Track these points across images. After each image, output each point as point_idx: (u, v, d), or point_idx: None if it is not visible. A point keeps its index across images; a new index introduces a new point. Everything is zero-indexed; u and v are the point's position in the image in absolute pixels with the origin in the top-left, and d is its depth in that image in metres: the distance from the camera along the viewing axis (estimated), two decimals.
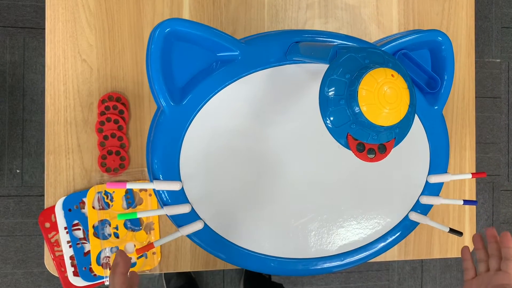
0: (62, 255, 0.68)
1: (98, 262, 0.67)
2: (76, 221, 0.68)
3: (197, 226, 0.52)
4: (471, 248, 0.63)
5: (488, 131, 1.69)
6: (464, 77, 0.81)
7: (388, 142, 0.42)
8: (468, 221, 0.80)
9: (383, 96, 0.38)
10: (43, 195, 0.68)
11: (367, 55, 0.40)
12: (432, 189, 0.61)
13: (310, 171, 0.56)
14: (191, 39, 0.51)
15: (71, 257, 0.68)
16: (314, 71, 0.54)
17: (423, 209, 0.61)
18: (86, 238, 0.68)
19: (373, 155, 0.42)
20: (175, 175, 0.52)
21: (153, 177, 0.52)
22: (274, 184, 0.55)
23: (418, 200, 0.61)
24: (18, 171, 1.40)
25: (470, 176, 0.60)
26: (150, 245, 0.51)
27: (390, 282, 1.61)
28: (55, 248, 0.68)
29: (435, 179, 0.60)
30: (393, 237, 0.60)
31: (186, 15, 0.71)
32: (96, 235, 0.68)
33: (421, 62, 0.59)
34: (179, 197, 0.52)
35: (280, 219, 0.56)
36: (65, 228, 0.67)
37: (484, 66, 1.68)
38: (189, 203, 0.53)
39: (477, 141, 1.65)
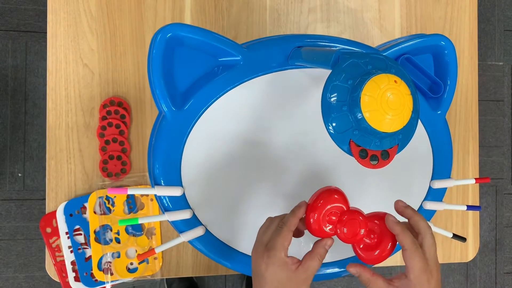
0: (63, 260, 0.68)
1: (99, 267, 0.67)
2: (77, 226, 0.67)
3: (198, 232, 0.52)
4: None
5: (491, 134, 1.68)
6: (467, 81, 0.80)
7: (391, 148, 0.42)
8: (471, 226, 0.80)
9: (386, 102, 0.37)
10: (45, 199, 0.68)
11: (369, 61, 0.40)
12: (435, 195, 0.61)
13: (312, 176, 0.56)
14: (193, 44, 0.51)
15: (72, 262, 0.67)
16: (316, 76, 0.54)
17: (426, 214, 0.61)
18: (87, 243, 0.68)
19: (376, 162, 0.42)
20: (176, 181, 0.52)
21: (155, 183, 0.52)
22: (276, 190, 0.55)
23: (421, 206, 0.60)
24: (20, 174, 1.40)
25: (473, 181, 0.60)
26: (151, 251, 0.51)
27: None
28: (56, 253, 0.68)
29: (438, 184, 0.60)
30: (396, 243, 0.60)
31: (187, 20, 0.71)
32: (97, 240, 0.67)
33: (424, 67, 0.59)
34: (181, 202, 0.52)
35: None
36: (67, 233, 0.67)
37: (487, 69, 1.68)
38: (191, 208, 0.52)
39: (480, 144, 1.64)
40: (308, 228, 0.46)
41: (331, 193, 0.46)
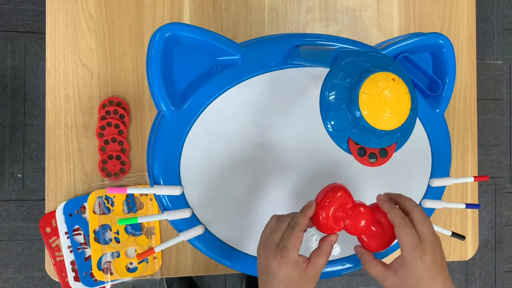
0: (63, 260, 0.68)
1: (99, 267, 0.67)
2: (77, 226, 0.67)
3: (197, 231, 0.52)
4: None
5: (490, 133, 1.68)
6: (466, 80, 0.80)
7: (390, 146, 0.42)
8: (470, 224, 0.80)
9: (384, 100, 0.37)
10: (44, 199, 0.68)
11: (368, 59, 0.40)
12: (434, 193, 0.61)
13: (311, 175, 0.56)
14: (191, 43, 0.51)
15: (72, 262, 0.67)
16: (314, 75, 0.54)
17: (426, 212, 0.61)
18: (87, 243, 0.68)
19: (375, 160, 0.42)
20: (175, 180, 0.52)
21: (154, 182, 0.52)
22: (275, 189, 0.55)
23: (420, 204, 0.60)
24: (19, 175, 1.40)
25: (472, 179, 0.60)
26: (151, 250, 0.51)
27: None
28: (56, 253, 0.68)
29: (437, 182, 0.60)
30: (396, 241, 0.60)
31: (186, 19, 0.71)
32: (97, 240, 0.67)
33: (422, 65, 0.59)
34: (180, 201, 0.52)
35: None
36: (66, 233, 0.67)
37: (485, 68, 1.68)
38: (190, 208, 0.52)
39: (479, 143, 1.64)
40: (316, 225, 0.48)
41: (337, 191, 0.47)
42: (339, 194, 0.47)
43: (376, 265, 0.46)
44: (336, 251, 0.58)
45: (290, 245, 0.44)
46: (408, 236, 0.43)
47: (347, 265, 0.58)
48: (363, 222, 0.46)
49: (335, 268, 0.58)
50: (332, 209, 0.46)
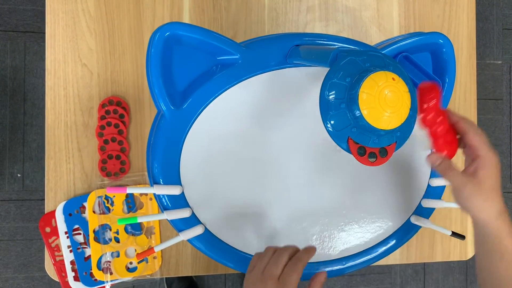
0: (63, 260, 0.68)
1: (98, 266, 0.67)
2: (76, 226, 0.67)
3: (197, 230, 0.52)
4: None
5: (490, 133, 1.68)
6: (466, 79, 0.80)
7: (389, 145, 0.42)
8: (470, 224, 0.80)
9: (384, 99, 0.37)
10: (44, 199, 0.68)
11: (367, 59, 0.40)
12: (434, 192, 0.61)
13: (311, 174, 0.56)
14: (191, 42, 0.51)
15: (72, 262, 0.67)
16: (314, 75, 0.54)
17: (425, 212, 0.61)
18: (86, 242, 0.68)
19: (374, 159, 0.42)
20: (175, 180, 0.52)
21: (154, 182, 0.52)
22: (274, 188, 0.55)
23: (420, 204, 0.60)
24: (19, 175, 1.40)
25: None
26: (150, 250, 0.51)
27: (393, 285, 1.61)
28: (56, 253, 0.68)
29: (437, 182, 0.60)
30: (395, 241, 0.60)
31: (186, 19, 0.71)
32: (96, 239, 0.67)
33: (422, 65, 0.59)
34: (180, 201, 0.52)
35: (281, 223, 0.56)
36: (66, 232, 0.67)
37: (485, 68, 1.68)
38: (190, 207, 0.52)
39: None
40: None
41: (434, 89, 0.46)
42: (433, 94, 0.45)
43: (455, 172, 0.46)
44: (336, 251, 0.58)
45: (293, 281, 0.44)
46: (484, 138, 0.46)
47: (347, 265, 0.58)
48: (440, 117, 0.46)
49: (335, 268, 0.58)
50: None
